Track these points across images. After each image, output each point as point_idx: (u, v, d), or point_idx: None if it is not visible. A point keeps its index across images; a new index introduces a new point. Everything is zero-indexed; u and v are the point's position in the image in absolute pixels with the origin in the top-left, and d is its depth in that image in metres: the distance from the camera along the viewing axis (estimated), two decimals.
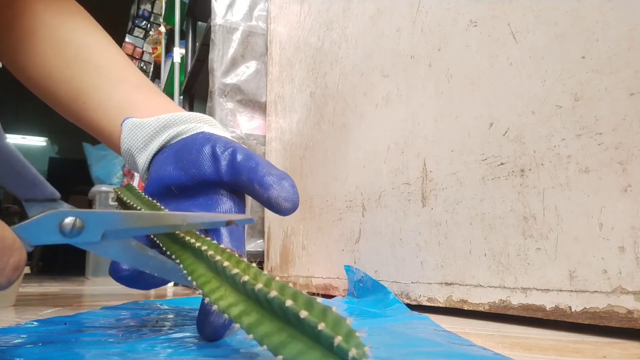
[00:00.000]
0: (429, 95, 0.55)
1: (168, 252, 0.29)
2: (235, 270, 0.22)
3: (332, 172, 0.76)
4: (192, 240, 0.27)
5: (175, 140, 0.40)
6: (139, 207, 0.33)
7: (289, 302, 0.18)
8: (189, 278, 0.26)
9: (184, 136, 0.40)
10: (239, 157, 0.35)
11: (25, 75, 0.48)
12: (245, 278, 0.21)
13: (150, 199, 0.34)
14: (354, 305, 0.51)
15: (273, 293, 0.19)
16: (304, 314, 0.17)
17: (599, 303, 0.36)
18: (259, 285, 0.20)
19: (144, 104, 0.45)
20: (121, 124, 0.42)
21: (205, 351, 0.28)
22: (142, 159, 0.41)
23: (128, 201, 0.35)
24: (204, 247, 0.26)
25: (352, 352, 0.15)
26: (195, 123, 0.40)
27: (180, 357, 0.26)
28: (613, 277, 0.35)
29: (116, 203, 0.38)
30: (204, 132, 0.39)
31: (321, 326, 0.17)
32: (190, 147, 0.38)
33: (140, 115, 0.43)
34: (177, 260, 0.28)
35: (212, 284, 0.24)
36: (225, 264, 0.23)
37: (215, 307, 0.23)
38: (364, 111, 0.68)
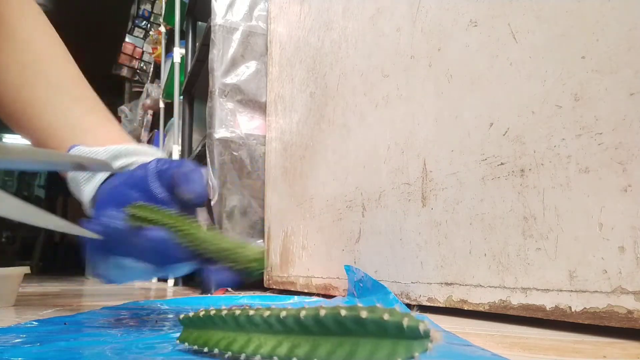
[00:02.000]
0: (429, 95, 0.55)
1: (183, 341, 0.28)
2: (268, 313, 0.22)
3: (332, 172, 0.76)
4: (195, 313, 0.27)
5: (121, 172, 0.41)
6: (169, 223, 0.33)
7: (343, 312, 0.19)
8: (206, 349, 0.25)
9: (130, 168, 0.41)
10: (163, 168, 0.38)
11: None
12: (284, 313, 0.21)
13: (174, 213, 0.35)
14: None
15: (323, 312, 0.20)
16: (364, 314, 0.18)
17: (599, 303, 0.36)
18: (304, 312, 0.21)
19: (96, 130, 0.45)
20: (68, 151, 0.42)
21: None
22: (89, 188, 0.41)
23: (150, 217, 0.35)
24: (212, 312, 0.26)
25: (422, 326, 0.18)
26: (141, 156, 0.42)
27: (179, 357, 0.26)
28: (613, 277, 0.35)
29: (133, 221, 0.37)
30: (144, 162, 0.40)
31: (386, 316, 0.18)
32: (139, 179, 0.39)
33: (91, 140, 0.43)
34: (187, 343, 0.27)
35: (239, 342, 0.24)
36: (251, 312, 0.23)
37: (257, 357, 0.22)
38: (364, 111, 0.68)
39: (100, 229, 0.35)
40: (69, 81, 0.47)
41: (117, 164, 0.41)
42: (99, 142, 0.42)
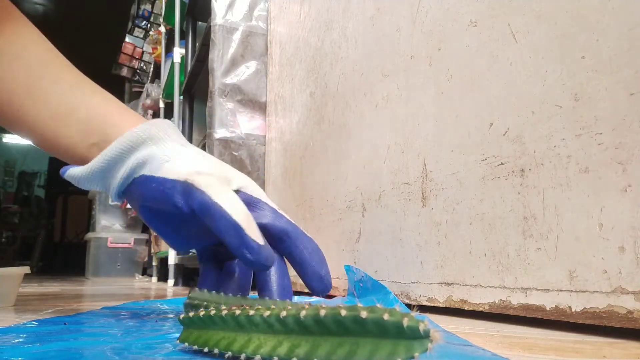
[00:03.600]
0: (429, 95, 0.55)
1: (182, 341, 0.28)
2: (268, 312, 0.22)
3: (332, 172, 0.76)
4: (195, 313, 0.27)
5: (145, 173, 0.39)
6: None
7: (343, 312, 0.19)
8: (206, 349, 0.25)
9: (149, 166, 0.38)
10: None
11: None
12: (284, 313, 0.21)
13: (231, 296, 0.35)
14: None
15: (323, 312, 0.20)
16: (364, 314, 0.18)
17: (599, 303, 0.36)
18: (304, 312, 0.20)
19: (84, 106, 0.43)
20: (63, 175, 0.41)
21: None
22: (115, 182, 0.40)
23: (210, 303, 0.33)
24: (212, 312, 0.25)
25: (422, 326, 0.18)
26: (157, 145, 0.39)
27: (179, 357, 0.26)
28: (613, 277, 0.35)
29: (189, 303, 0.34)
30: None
31: (386, 316, 0.18)
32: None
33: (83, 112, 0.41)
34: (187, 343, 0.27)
35: (239, 342, 0.24)
36: (251, 312, 0.23)
37: (257, 357, 0.22)
38: (364, 111, 0.68)
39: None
40: (52, 58, 0.44)
41: (136, 158, 0.39)
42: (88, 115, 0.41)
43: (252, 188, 0.38)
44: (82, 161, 0.41)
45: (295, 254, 0.36)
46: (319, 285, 0.36)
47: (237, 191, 0.37)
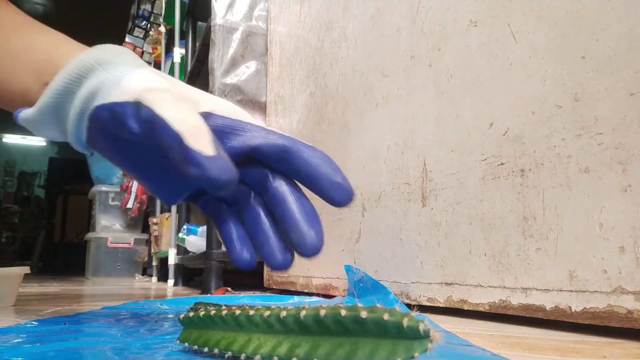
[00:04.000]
0: (429, 95, 0.55)
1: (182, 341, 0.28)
2: (268, 313, 0.22)
3: None
4: (195, 313, 0.27)
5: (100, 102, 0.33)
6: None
7: (343, 312, 0.19)
8: (206, 349, 0.25)
9: (99, 93, 0.33)
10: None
11: None
12: (284, 313, 0.21)
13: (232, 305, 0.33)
14: None
15: (323, 312, 0.20)
16: (364, 314, 0.19)
17: (599, 303, 0.36)
18: (304, 312, 0.21)
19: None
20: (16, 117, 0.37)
21: None
22: (74, 114, 0.34)
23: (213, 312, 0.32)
24: (212, 312, 0.25)
25: (422, 326, 0.18)
26: (105, 71, 0.33)
27: (179, 357, 0.26)
28: (613, 277, 0.35)
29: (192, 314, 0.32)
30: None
31: (386, 316, 0.18)
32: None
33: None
34: (188, 343, 0.27)
35: (239, 342, 0.24)
36: (251, 312, 0.23)
37: (257, 357, 0.22)
38: (364, 111, 0.68)
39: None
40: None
41: (86, 88, 0.33)
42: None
43: (229, 109, 0.32)
44: None
45: (302, 169, 0.30)
46: (340, 195, 0.29)
47: (208, 114, 0.31)
